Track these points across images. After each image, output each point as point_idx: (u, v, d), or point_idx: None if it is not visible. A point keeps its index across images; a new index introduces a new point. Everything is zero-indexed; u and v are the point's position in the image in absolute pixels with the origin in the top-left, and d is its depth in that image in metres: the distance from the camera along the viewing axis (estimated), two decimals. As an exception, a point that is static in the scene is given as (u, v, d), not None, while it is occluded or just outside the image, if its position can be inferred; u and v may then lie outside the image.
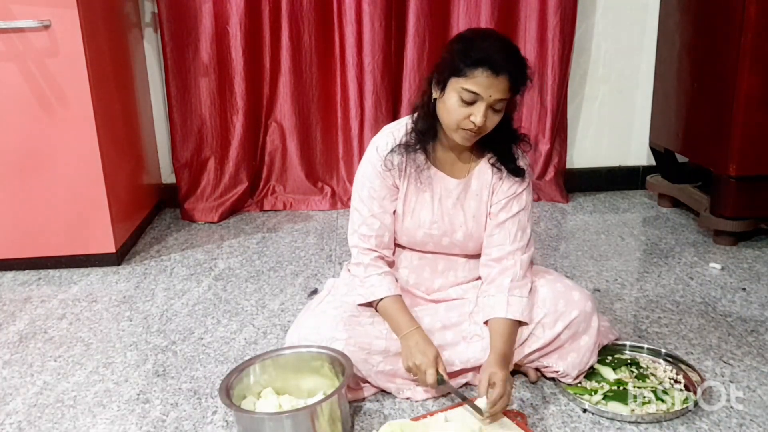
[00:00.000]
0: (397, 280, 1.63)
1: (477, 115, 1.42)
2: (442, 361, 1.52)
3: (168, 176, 3.11)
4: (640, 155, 3.22)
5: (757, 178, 2.42)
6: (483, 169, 1.60)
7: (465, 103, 1.42)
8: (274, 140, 3.05)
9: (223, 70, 2.88)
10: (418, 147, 1.55)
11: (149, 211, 2.93)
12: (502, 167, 1.58)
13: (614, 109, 3.14)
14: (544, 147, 3.03)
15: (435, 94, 1.49)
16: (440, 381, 1.49)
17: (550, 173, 3.09)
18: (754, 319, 1.96)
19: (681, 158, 2.90)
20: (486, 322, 1.58)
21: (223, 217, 2.96)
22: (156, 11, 2.82)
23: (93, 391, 1.68)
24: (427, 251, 1.66)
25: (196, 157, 2.97)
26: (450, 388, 1.53)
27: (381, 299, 1.57)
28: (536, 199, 3.07)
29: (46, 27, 2.19)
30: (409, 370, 1.52)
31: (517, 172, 1.58)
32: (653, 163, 3.12)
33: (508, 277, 1.57)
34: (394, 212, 1.61)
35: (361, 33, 2.85)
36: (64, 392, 1.68)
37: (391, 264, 1.64)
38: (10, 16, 2.17)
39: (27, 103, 2.26)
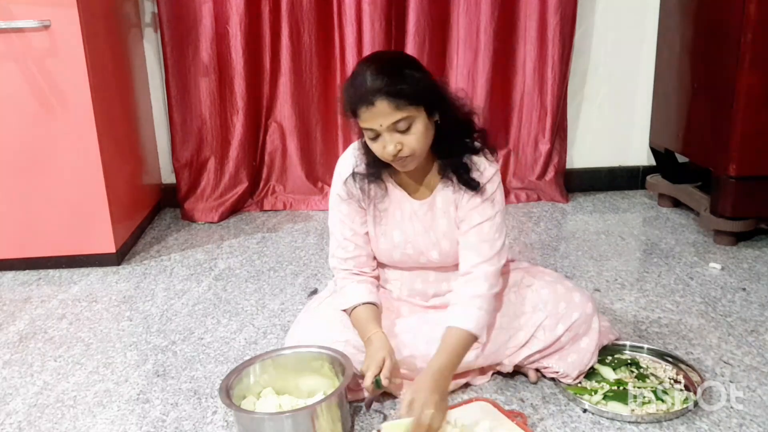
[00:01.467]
0: (377, 289, 1.61)
1: (386, 145, 1.39)
2: (391, 367, 1.45)
3: (168, 176, 3.12)
4: (640, 155, 3.21)
5: (757, 178, 2.42)
6: (443, 187, 1.55)
7: (374, 139, 1.41)
8: (274, 140, 3.05)
9: (223, 70, 2.88)
10: (373, 177, 1.53)
11: (149, 211, 2.93)
12: (453, 179, 1.51)
13: (614, 109, 3.14)
14: (544, 147, 3.03)
15: None
16: (377, 385, 1.43)
17: (550, 173, 3.09)
18: (754, 319, 1.96)
19: (681, 158, 2.90)
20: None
21: (223, 217, 2.96)
22: (156, 11, 2.82)
23: (93, 391, 1.68)
24: (410, 268, 1.64)
25: (196, 157, 2.97)
26: (375, 395, 1.46)
27: (354, 308, 1.56)
28: (536, 199, 3.08)
29: (46, 27, 2.19)
30: (363, 371, 1.48)
31: (468, 184, 1.51)
32: (653, 163, 3.12)
33: (471, 289, 1.50)
34: (368, 233, 1.60)
35: (361, 33, 2.85)
36: (64, 392, 1.68)
37: (374, 277, 1.63)
38: (10, 16, 2.17)
39: (27, 103, 2.26)
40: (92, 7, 2.32)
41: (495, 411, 1.49)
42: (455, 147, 1.50)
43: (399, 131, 1.38)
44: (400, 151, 1.40)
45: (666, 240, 2.61)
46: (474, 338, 1.48)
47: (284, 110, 2.99)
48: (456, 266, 1.60)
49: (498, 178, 1.54)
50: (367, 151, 1.50)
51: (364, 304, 1.56)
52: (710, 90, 2.53)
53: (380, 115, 1.36)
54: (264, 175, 3.09)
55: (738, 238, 2.53)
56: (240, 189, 3.01)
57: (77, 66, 2.24)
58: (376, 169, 1.52)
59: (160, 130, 3.05)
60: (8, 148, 2.30)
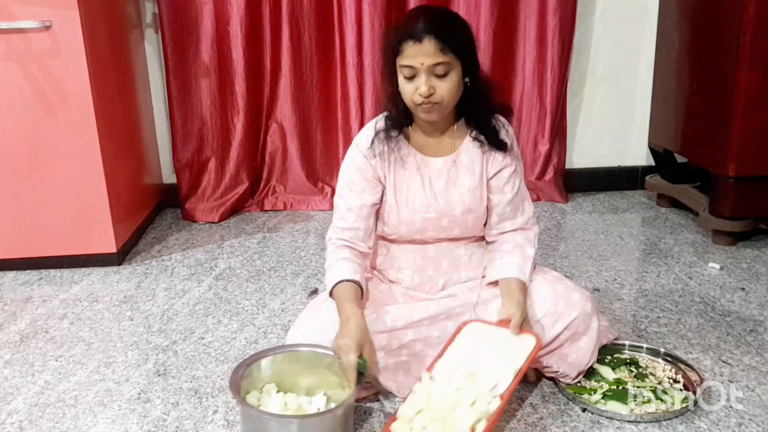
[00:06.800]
0: (362, 269, 1.59)
1: (420, 85, 1.46)
2: (370, 350, 1.47)
3: (169, 176, 3.12)
4: (639, 155, 3.22)
5: (756, 178, 2.43)
6: (470, 144, 1.62)
7: (408, 79, 1.48)
8: (274, 140, 3.05)
9: (223, 71, 2.89)
10: (396, 132, 1.58)
11: (150, 211, 2.94)
12: (483, 140, 1.60)
13: (613, 110, 3.15)
14: (543, 147, 3.04)
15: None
16: (361, 367, 1.42)
17: (550, 173, 3.09)
18: (752, 318, 1.97)
19: (680, 158, 2.91)
20: (493, 283, 1.61)
21: (224, 217, 2.97)
22: (157, 12, 2.83)
23: (94, 391, 1.69)
24: (429, 239, 1.65)
25: (197, 158, 2.98)
26: (369, 378, 1.47)
27: (336, 284, 1.55)
28: (536, 199, 3.08)
29: (47, 27, 2.19)
30: (336, 351, 1.48)
31: (499, 145, 1.60)
32: (652, 163, 3.13)
33: (525, 250, 1.63)
34: (385, 204, 1.62)
35: (361, 33, 2.85)
36: (65, 392, 1.69)
37: (363, 254, 1.63)
38: (11, 16, 2.17)
39: (28, 103, 2.26)
40: (93, 7, 2.32)
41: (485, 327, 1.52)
42: (484, 109, 1.59)
43: (436, 75, 1.46)
44: (431, 94, 1.46)
45: (665, 240, 2.62)
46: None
47: (285, 110, 3.00)
48: (467, 240, 1.67)
49: (514, 138, 1.66)
50: (394, 106, 1.57)
51: (346, 281, 1.55)
52: (709, 90, 2.54)
53: (424, 53, 1.43)
54: (264, 176, 3.10)
55: (737, 238, 2.53)
56: (240, 189, 3.02)
57: (78, 66, 2.24)
58: (399, 123, 1.58)
59: (161, 130, 3.06)
60: (9, 148, 2.31)
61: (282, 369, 1.54)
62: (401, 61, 1.47)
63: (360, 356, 1.42)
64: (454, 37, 1.46)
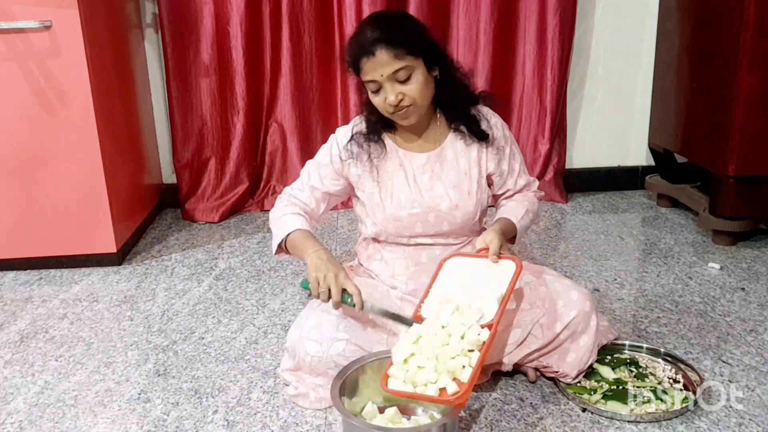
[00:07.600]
0: (312, 228, 1.63)
1: (388, 95, 1.47)
2: (349, 278, 1.49)
3: (169, 176, 3.12)
4: (639, 155, 3.22)
5: (756, 178, 2.43)
6: (454, 139, 1.63)
7: (375, 92, 1.49)
8: (274, 140, 3.05)
9: (223, 71, 2.89)
10: (373, 137, 1.60)
11: (150, 211, 2.94)
12: (464, 131, 1.61)
13: (613, 110, 3.15)
14: (543, 147, 3.03)
15: None
16: (344, 299, 1.47)
17: (550, 173, 3.09)
18: (752, 318, 1.97)
19: (680, 158, 2.91)
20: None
21: (224, 217, 2.97)
22: (157, 12, 2.83)
23: (94, 391, 1.69)
24: (420, 237, 1.64)
25: (197, 158, 2.98)
26: (372, 310, 1.50)
27: (290, 234, 1.58)
28: (536, 199, 3.08)
29: (47, 27, 2.19)
30: (312, 282, 1.50)
31: (480, 135, 1.60)
32: (652, 163, 3.13)
33: (526, 202, 1.71)
34: (369, 202, 1.63)
35: (361, 33, 2.85)
36: (65, 392, 1.69)
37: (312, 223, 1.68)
38: (11, 16, 2.17)
39: (28, 103, 2.27)
40: (93, 7, 2.33)
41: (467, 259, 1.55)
42: (460, 99, 1.59)
43: (399, 81, 1.46)
44: (401, 101, 1.47)
45: (665, 240, 2.62)
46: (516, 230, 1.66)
47: (285, 110, 3.00)
48: (465, 244, 1.67)
49: (501, 121, 1.66)
50: (371, 113, 1.59)
51: (300, 230, 1.59)
52: (709, 90, 2.54)
53: (380, 64, 1.44)
54: (264, 176, 3.10)
55: (737, 238, 2.53)
56: (240, 189, 3.02)
57: (78, 66, 2.24)
58: (377, 129, 1.60)
59: (161, 130, 3.06)
60: (9, 148, 2.31)
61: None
62: (363, 77, 1.49)
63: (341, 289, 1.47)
64: (405, 38, 1.45)
